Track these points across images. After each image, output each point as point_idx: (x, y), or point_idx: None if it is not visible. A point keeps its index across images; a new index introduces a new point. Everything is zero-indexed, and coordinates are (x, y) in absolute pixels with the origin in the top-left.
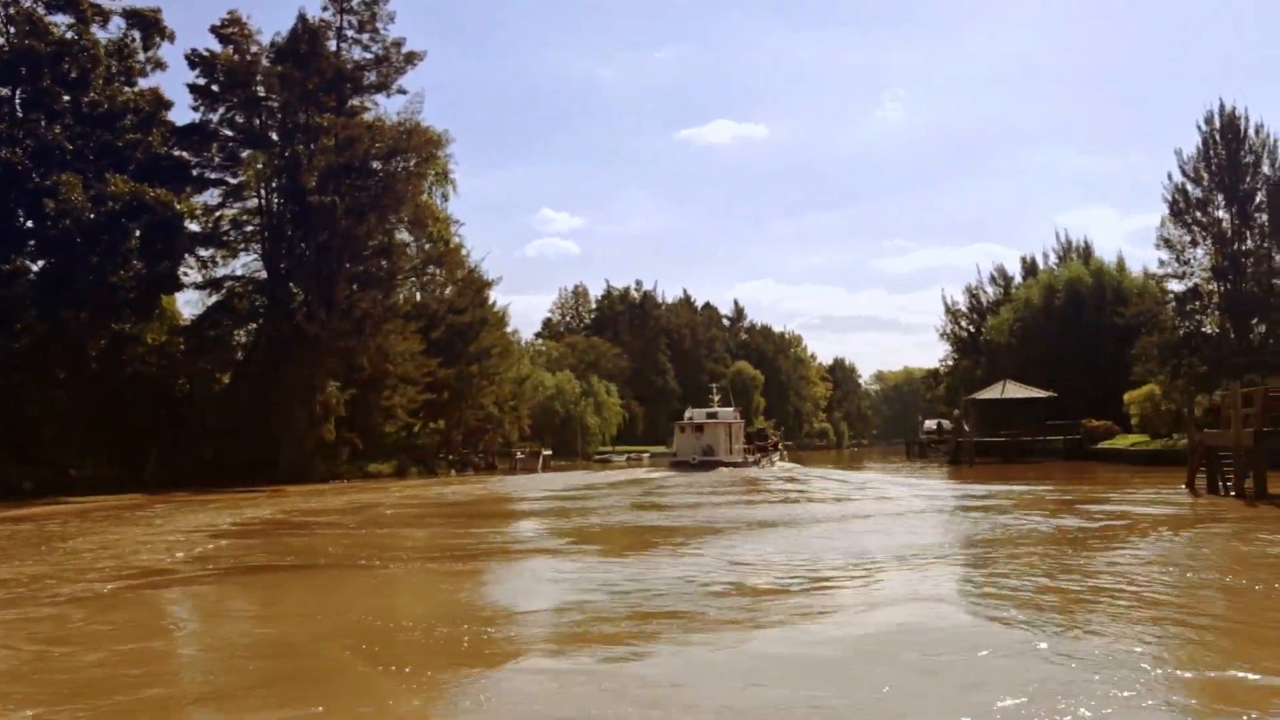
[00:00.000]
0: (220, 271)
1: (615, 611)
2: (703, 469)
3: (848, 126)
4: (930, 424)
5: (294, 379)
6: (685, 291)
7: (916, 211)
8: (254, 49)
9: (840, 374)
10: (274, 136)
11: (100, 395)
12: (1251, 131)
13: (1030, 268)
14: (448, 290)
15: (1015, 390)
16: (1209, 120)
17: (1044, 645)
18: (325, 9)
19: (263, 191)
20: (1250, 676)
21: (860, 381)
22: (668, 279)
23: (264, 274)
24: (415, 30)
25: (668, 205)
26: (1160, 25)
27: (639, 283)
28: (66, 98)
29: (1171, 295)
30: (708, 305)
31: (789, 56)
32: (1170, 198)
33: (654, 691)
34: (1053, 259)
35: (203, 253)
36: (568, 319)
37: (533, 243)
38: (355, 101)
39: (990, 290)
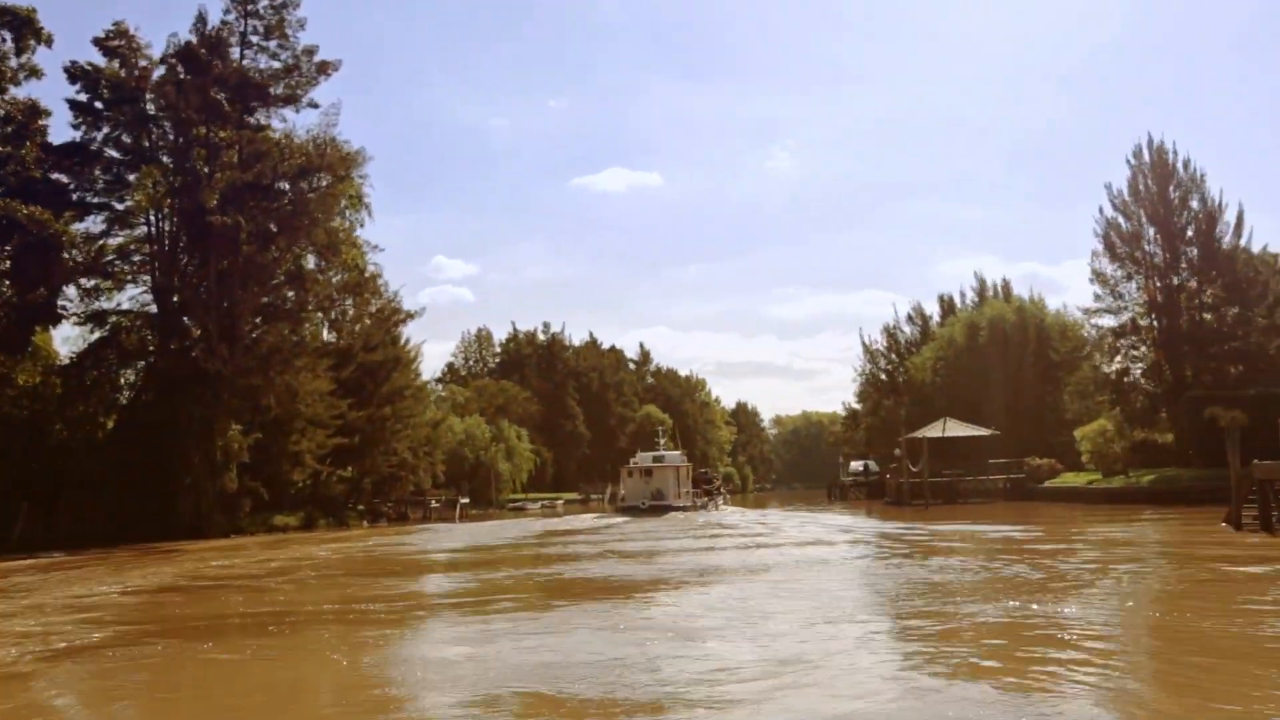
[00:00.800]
0: (104, 305)
1: None
2: (653, 514)
3: (739, 176)
4: (857, 465)
5: (191, 422)
6: (591, 334)
7: (806, 259)
8: (143, 63)
9: (743, 418)
10: (167, 160)
11: None
12: (1180, 166)
13: (949, 307)
14: (358, 326)
15: (957, 428)
16: (1137, 154)
17: None
18: (227, 11)
19: (153, 218)
20: None
21: (762, 425)
22: (562, 326)
23: (154, 308)
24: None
25: (562, 252)
26: (1035, 86)
27: (547, 325)
28: None
29: (1107, 330)
30: (613, 348)
31: (681, 107)
32: (1102, 232)
33: None
34: (970, 297)
35: (85, 283)
36: (471, 363)
37: (425, 290)
38: (261, 116)
39: (908, 329)
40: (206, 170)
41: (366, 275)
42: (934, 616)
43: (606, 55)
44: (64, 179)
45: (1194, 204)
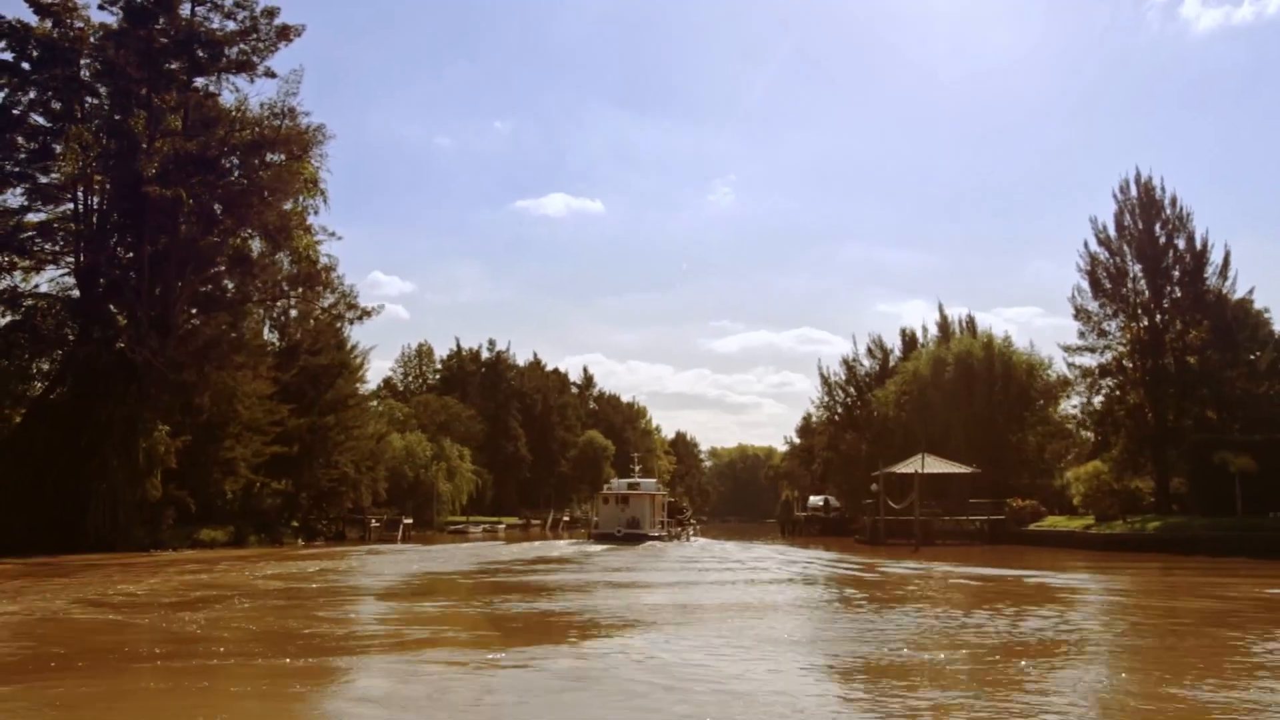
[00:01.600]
0: (18, 285)
1: None
2: (628, 542)
3: (680, 208)
4: (816, 500)
5: (111, 421)
6: (536, 355)
7: (741, 294)
8: (79, 25)
9: (682, 448)
10: (102, 136)
11: None
12: (1167, 203)
13: (910, 341)
14: (302, 328)
15: (936, 465)
16: (1124, 189)
17: None
18: None
19: (81, 194)
20: None
21: (700, 457)
22: (508, 344)
23: (76, 291)
24: None
25: (500, 275)
26: (970, 138)
27: (492, 342)
28: None
29: (1093, 369)
30: (557, 371)
31: (626, 137)
32: (1086, 267)
33: None
34: (932, 332)
35: None
36: (410, 378)
37: (350, 334)
38: (212, 84)
39: (867, 363)
40: (148, 134)
41: (320, 266)
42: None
43: (554, 81)
44: None
45: (1179, 243)
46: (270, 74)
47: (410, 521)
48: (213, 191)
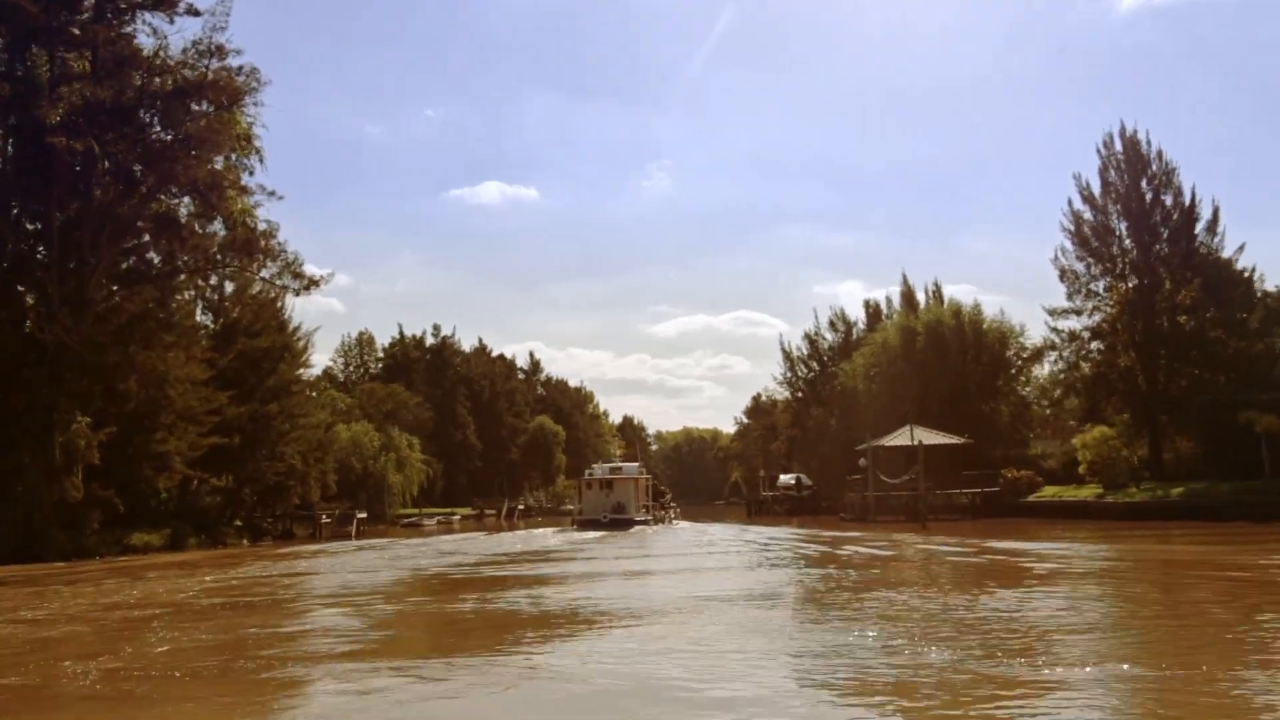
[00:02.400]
0: None
1: None
2: (615, 528)
3: (616, 194)
4: (787, 478)
5: (21, 412)
6: (481, 340)
7: (679, 279)
8: None
9: (630, 432)
10: None
11: None
12: (1154, 157)
13: (874, 313)
14: (238, 309)
15: (927, 436)
16: (1108, 143)
17: None
18: None
19: None
20: None
21: (649, 441)
22: (453, 329)
23: None
24: None
25: (436, 265)
26: (900, 120)
27: (437, 327)
28: None
29: (1079, 332)
30: (503, 356)
31: (561, 122)
32: (1071, 226)
33: None
34: (896, 303)
35: None
36: (351, 368)
37: (294, 301)
38: (123, 22)
39: (830, 336)
40: (49, 80)
41: (259, 231)
42: None
43: (487, 67)
44: None
45: (1167, 199)
46: (194, 11)
47: (364, 515)
48: (131, 148)
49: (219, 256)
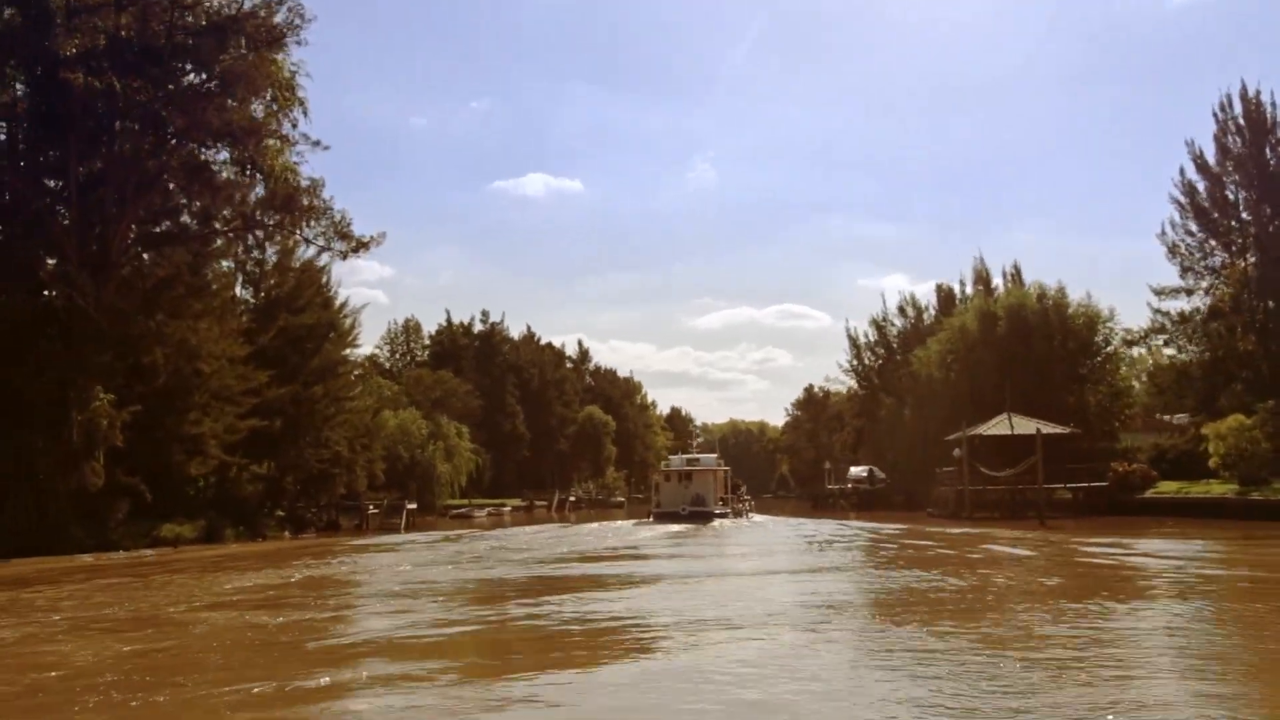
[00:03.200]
0: None
1: None
2: (694, 521)
3: (659, 186)
4: (858, 471)
5: (35, 387)
6: (529, 328)
7: (723, 271)
8: None
9: (678, 424)
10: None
11: None
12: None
13: (947, 297)
14: (279, 279)
15: (1027, 424)
16: (1225, 107)
17: None
18: None
19: None
20: None
21: (696, 433)
22: (501, 316)
23: None
24: None
25: (479, 258)
26: (945, 105)
27: (485, 313)
28: None
29: (1190, 315)
30: (551, 345)
31: (605, 114)
32: (1183, 198)
33: None
34: (970, 287)
35: None
36: (398, 356)
37: (339, 291)
38: None
39: (899, 323)
40: (65, 6)
41: (301, 187)
42: None
43: (531, 59)
44: None
45: None
46: None
47: (414, 506)
48: (158, 90)
49: (257, 215)
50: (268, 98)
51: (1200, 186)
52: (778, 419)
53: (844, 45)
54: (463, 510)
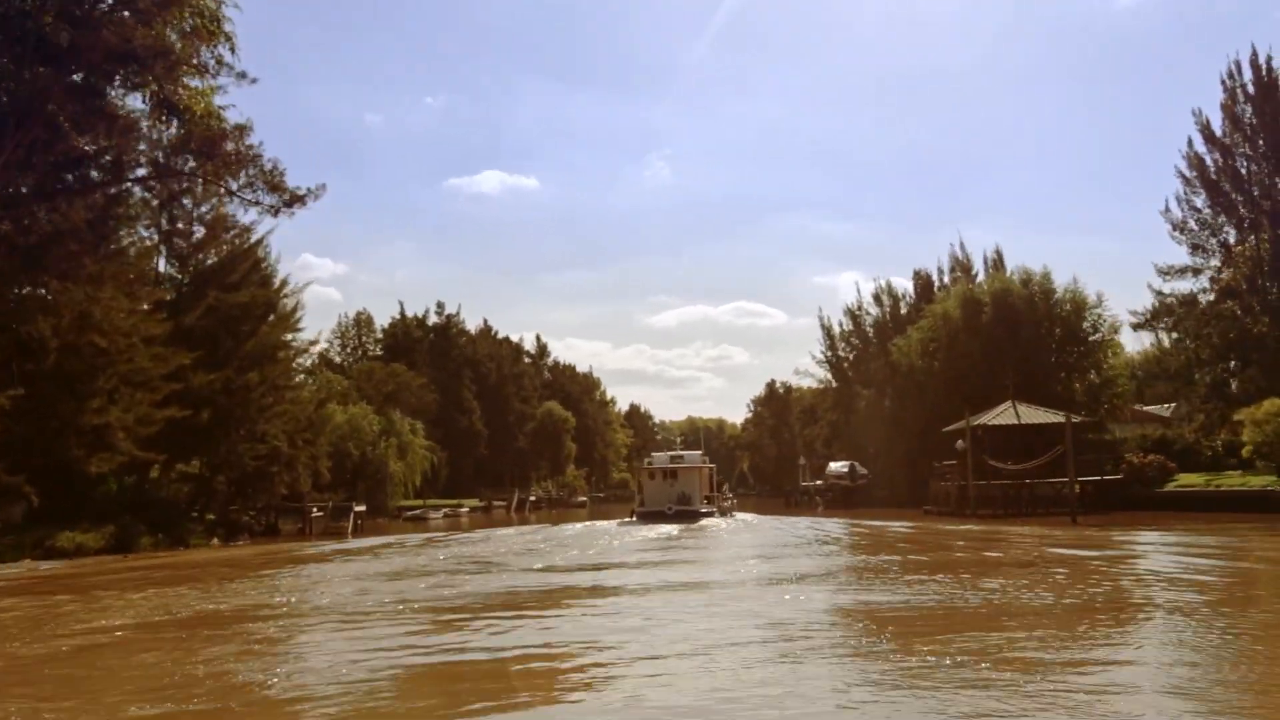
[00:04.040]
0: None
1: None
2: (682, 520)
3: (616, 183)
4: (838, 466)
5: None
6: (486, 321)
7: (679, 269)
8: None
9: (637, 421)
10: None
11: None
12: None
13: (925, 284)
14: (209, 250)
15: (1033, 414)
16: (1233, 75)
17: None
18: None
19: None
20: None
21: (655, 431)
22: (458, 308)
23: None
24: None
25: (435, 255)
26: (901, 105)
27: (440, 305)
28: None
29: (1194, 295)
30: (509, 339)
31: (561, 111)
32: (1190, 171)
33: None
34: (948, 274)
35: None
36: (349, 350)
37: (280, 268)
38: None
39: (874, 311)
40: None
41: (228, 128)
42: None
43: (487, 55)
44: None
45: None
46: None
47: (363, 508)
48: (40, 12)
49: (172, 161)
50: (186, 27)
51: (1209, 159)
52: (734, 416)
53: (803, 43)
54: (417, 512)
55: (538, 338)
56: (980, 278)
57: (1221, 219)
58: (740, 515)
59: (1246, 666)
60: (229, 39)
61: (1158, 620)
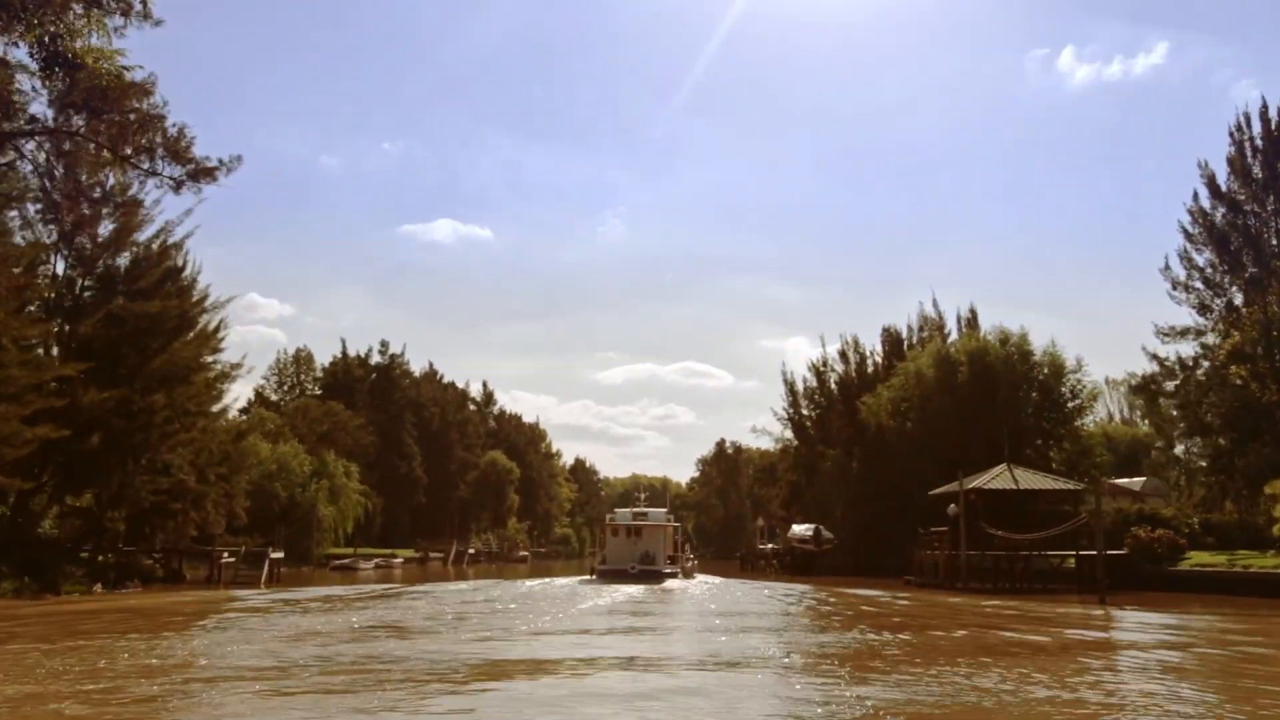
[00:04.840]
0: None
1: None
2: (644, 579)
3: (570, 238)
4: (803, 529)
5: None
6: (431, 364)
7: (627, 326)
8: None
9: (582, 475)
10: None
11: None
12: None
13: (894, 342)
14: (115, 253)
15: (1031, 479)
16: (1240, 128)
17: None
18: None
19: None
20: None
21: (600, 486)
22: (402, 348)
23: None
24: None
25: (384, 301)
26: (849, 171)
27: (385, 344)
28: None
29: (1201, 358)
30: (454, 384)
31: (518, 163)
32: (1195, 227)
33: None
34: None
35: None
36: (287, 388)
37: (235, 328)
38: None
39: (840, 368)
40: None
41: (127, 83)
42: None
43: (449, 104)
44: None
45: None
46: None
47: (280, 555)
48: None
49: (59, 122)
50: None
51: (1218, 216)
52: (678, 475)
53: (766, 113)
54: (346, 561)
55: (484, 384)
56: (953, 337)
57: (1227, 280)
58: (701, 577)
59: None
60: None
61: None
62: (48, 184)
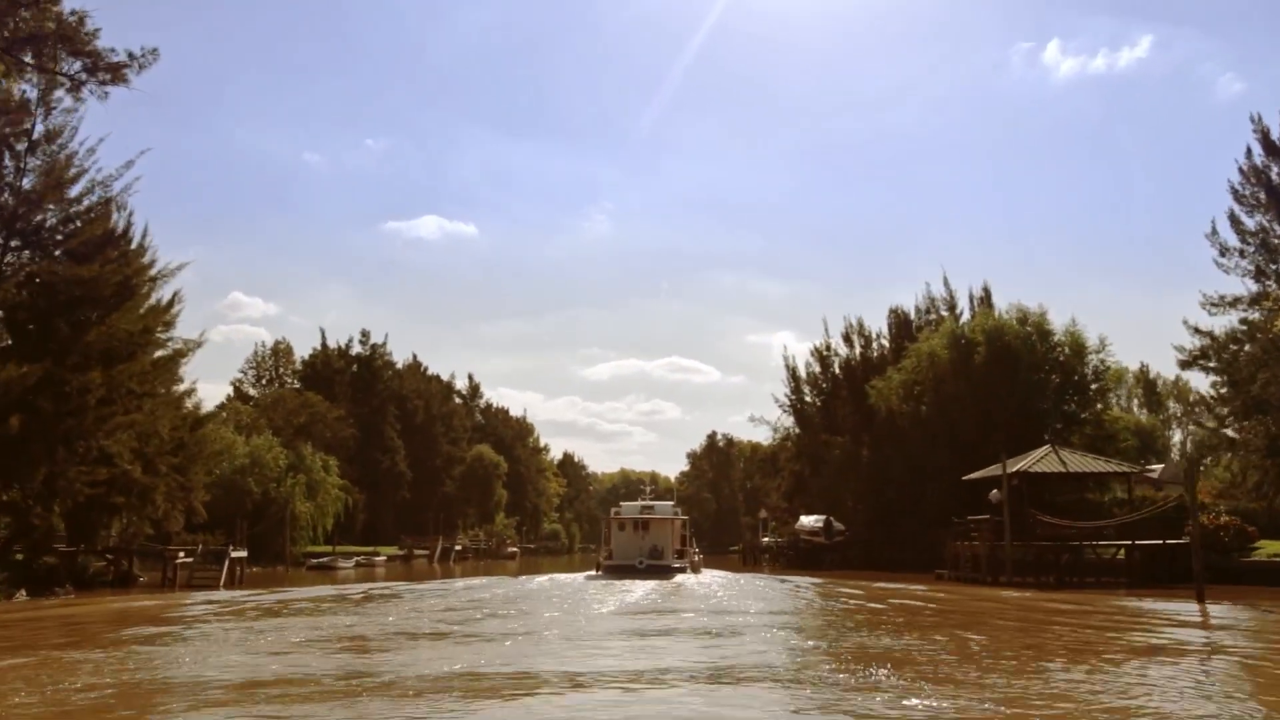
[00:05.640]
0: None
1: None
2: (654, 575)
3: (555, 234)
4: (810, 521)
5: None
6: (415, 356)
7: (613, 322)
8: None
9: (570, 470)
10: None
11: None
12: None
13: (903, 323)
14: (49, 204)
15: (1079, 462)
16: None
17: None
18: None
19: None
20: None
21: (589, 482)
22: (385, 337)
23: None
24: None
25: (368, 297)
26: (834, 166)
27: (366, 334)
28: None
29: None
30: (439, 377)
31: (503, 160)
32: (1247, 185)
33: None
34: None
35: None
36: (265, 381)
37: (218, 328)
38: None
39: (844, 351)
40: None
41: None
42: None
43: (433, 100)
44: None
45: None
46: None
47: (244, 554)
48: None
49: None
50: None
51: (1273, 172)
52: (666, 470)
53: (751, 108)
54: (325, 560)
55: (470, 377)
56: (965, 318)
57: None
58: (709, 572)
59: None
60: None
61: None
62: None
